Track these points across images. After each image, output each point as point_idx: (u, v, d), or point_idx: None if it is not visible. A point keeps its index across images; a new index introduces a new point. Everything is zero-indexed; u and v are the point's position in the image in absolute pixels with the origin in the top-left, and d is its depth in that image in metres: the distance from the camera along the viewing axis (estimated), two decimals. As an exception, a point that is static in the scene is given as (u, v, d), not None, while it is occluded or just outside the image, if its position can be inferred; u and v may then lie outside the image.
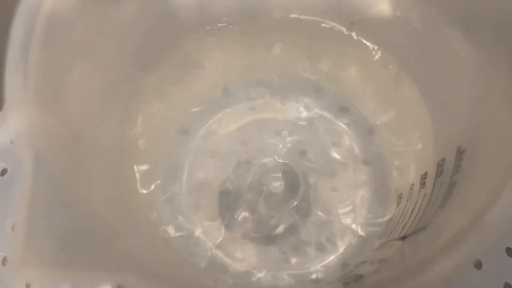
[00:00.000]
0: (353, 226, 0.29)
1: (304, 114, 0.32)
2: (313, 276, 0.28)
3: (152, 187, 0.31)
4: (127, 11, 0.30)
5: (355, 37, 0.33)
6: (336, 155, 0.31)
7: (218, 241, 0.30)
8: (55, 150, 0.23)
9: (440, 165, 0.28)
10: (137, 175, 0.31)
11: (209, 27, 0.33)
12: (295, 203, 0.30)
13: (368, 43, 0.33)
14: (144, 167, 0.31)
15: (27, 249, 0.21)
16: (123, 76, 0.31)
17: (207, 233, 0.30)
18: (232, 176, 0.31)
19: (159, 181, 0.31)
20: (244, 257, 0.29)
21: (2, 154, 0.33)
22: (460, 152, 0.26)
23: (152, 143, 0.32)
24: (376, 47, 0.32)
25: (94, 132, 0.28)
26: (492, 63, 0.26)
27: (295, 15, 0.33)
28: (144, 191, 0.30)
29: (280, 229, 0.30)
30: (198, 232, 0.30)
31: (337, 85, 0.32)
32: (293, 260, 0.29)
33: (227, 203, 0.31)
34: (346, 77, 0.32)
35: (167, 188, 0.31)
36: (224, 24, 0.33)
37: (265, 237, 0.29)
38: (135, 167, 0.31)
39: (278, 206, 0.30)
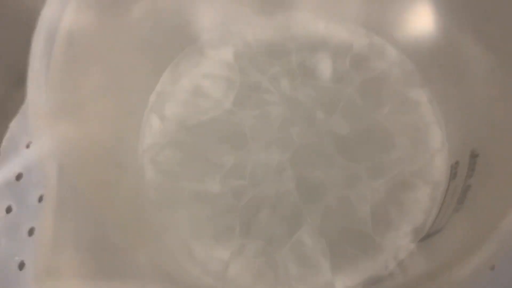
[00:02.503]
0: (369, 230, 0.29)
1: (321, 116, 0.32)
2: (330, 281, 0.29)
3: (171, 196, 0.31)
4: (141, 22, 0.30)
5: (368, 42, 0.33)
6: (347, 160, 0.31)
7: (233, 250, 0.30)
8: (76, 159, 0.23)
9: (454, 168, 0.28)
10: (155, 183, 0.31)
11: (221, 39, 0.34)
12: (308, 213, 0.30)
13: (381, 47, 0.33)
14: (163, 175, 0.31)
15: (51, 259, 0.21)
16: (139, 83, 0.32)
17: (223, 240, 0.30)
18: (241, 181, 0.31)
19: (178, 191, 0.31)
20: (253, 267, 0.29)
21: (18, 159, 0.34)
22: (473, 155, 0.27)
23: (169, 149, 0.32)
24: (389, 50, 0.33)
25: (113, 141, 0.28)
26: (503, 65, 0.26)
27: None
28: (163, 201, 0.31)
29: (296, 239, 0.30)
30: (213, 241, 0.30)
31: (351, 88, 0.33)
32: (308, 266, 0.29)
33: (244, 213, 0.30)
34: (359, 81, 0.33)
35: (184, 195, 0.31)
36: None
37: (278, 244, 0.30)
38: (153, 175, 0.31)
39: (291, 214, 0.30)
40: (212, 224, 0.30)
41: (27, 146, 0.34)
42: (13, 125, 0.34)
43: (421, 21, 0.31)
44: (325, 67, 0.33)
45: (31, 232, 0.32)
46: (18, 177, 0.34)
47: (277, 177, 0.31)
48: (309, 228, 0.29)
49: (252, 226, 0.30)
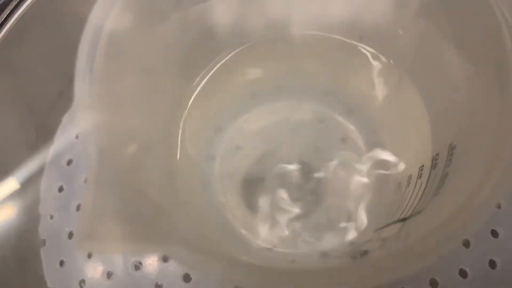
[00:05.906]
0: (360, 209, 0.31)
1: (319, 114, 0.35)
2: (323, 249, 0.31)
3: (193, 175, 0.34)
4: (172, 28, 0.32)
5: (364, 49, 0.35)
6: (343, 150, 0.34)
7: (245, 223, 0.33)
8: (114, 145, 0.26)
9: (435, 159, 0.30)
10: (181, 165, 0.33)
11: (241, 43, 0.37)
12: (310, 190, 0.33)
13: (374, 53, 0.35)
14: (186, 158, 0.34)
15: (91, 226, 0.23)
16: (169, 84, 0.34)
17: (236, 216, 0.33)
18: (256, 166, 0.35)
19: (198, 171, 0.34)
20: (266, 236, 0.32)
21: (68, 147, 0.38)
22: (451, 147, 0.28)
23: (193, 139, 0.35)
24: (381, 56, 0.35)
25: (145, 130, 0.31)
26: (478, 74, 0.28)
27: (313, 32, 0.36)
28: (187, 178, 0.33)
29: (297, 211, 0.33)
30: (229, 216, 0.33)
31: (347, 90, 0.35)
32: (308, 238, 0.31)
33: (251, 190, 0.34)
34: (355, 83, 0.35)
35: (204, 176, 0.35)
36: (254, 41, 0.36)
37: (284, 218, 0.32)
38: (178, 158, 0.34)
39: (295, 192, 0.33)
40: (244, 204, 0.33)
41: (76, 137, 0.38)
42: (65, 119, 0.39)
43: (411, 34, 0.33)
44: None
45: (78, 208, 0.36)
46: (69, 162, 0.38)
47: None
48: (311, 207, 0.32)
49: (279, 201, 0.33)
